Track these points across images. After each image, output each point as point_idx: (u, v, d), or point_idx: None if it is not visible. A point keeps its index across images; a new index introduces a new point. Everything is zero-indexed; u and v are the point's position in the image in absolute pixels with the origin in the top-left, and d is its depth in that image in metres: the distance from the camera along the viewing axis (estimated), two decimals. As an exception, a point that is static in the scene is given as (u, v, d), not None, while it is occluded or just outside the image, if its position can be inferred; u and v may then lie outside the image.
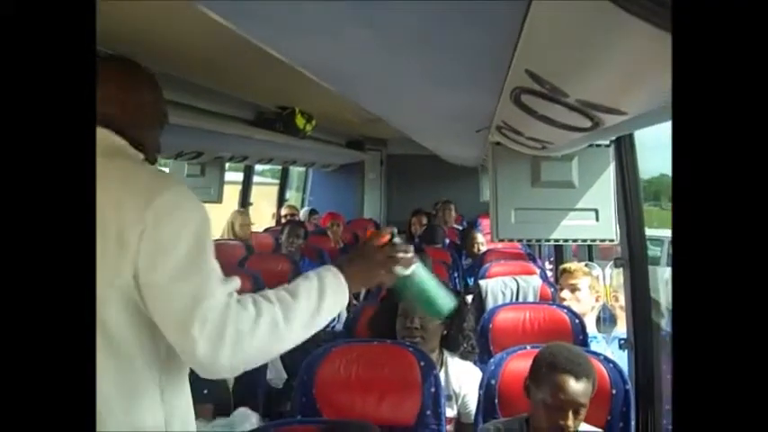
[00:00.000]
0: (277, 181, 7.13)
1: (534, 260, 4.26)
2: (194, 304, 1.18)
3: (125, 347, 1.21)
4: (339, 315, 4.10)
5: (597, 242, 2.45)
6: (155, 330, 1.22)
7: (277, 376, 3.24)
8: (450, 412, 2.29)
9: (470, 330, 2.44)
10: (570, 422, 1.74)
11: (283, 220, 5.68)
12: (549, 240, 2.39)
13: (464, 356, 2.41)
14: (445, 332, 2.38)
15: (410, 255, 1.40)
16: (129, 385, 1.22)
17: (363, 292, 5.33)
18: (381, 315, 2.46)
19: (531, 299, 3.31)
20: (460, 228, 6.26)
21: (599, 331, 2.92)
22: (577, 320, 2.62)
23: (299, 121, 3.97)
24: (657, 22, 0.50)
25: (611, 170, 2.33)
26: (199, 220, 1.25)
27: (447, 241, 5.27)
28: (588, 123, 1.10)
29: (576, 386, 1.74)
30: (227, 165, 4.71)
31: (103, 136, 1.24)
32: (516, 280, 3.42)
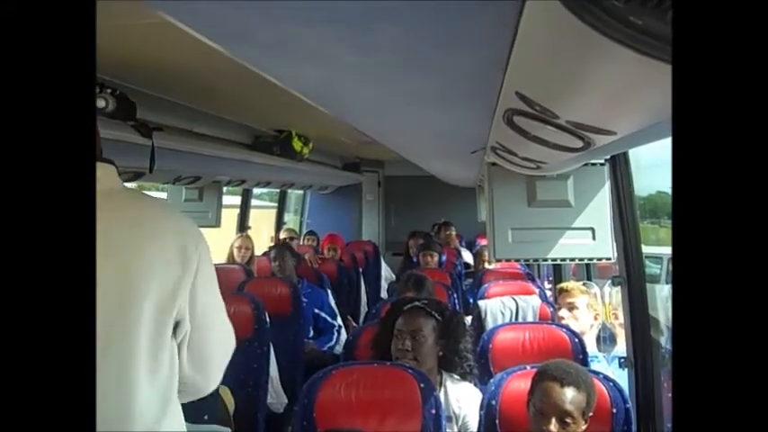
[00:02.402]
0: (275, 204, 7.13)
1: (533, 280, 4.26)
2: (228, 351, 1.44)
3: (164, 367, 1.30)
4: (339, 337, 4.13)
5: (594, 261, 2.45)
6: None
7: (277, 401, 3.23)
8: (451, 433, 2.28)
9: (467, 352, 2.43)
10: (554, 428, 1.75)
11: (283, 245, 5.67)
12: (546, 260, 2.39)
13: (462, 377, 2.41)
14: (441, 353, 2.38)
15: None
16: (165, 396, 1.31)
17: (363, 313, 5.35)
18: (381, 336, 2.46)
19: (530, 319, 3.30)
20: (459, 249, 6.27)
21: (599, 351, 2.92)
22: (577, 340, 2.61)
23: (296, 145, 4.00)
24: (637, 47, 0.51)
25: (606, 189, 2.34)
26: None
27: (444, 258, 5.28)
28: (580, 143, 1.12)
29: (561, 392, 1.77)
30: (224, 188, 4.72)
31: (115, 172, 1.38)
32: (515, 300, 3.41)
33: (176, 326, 1.31)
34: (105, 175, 1.32)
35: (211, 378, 1.44)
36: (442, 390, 2.35)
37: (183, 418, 1.37)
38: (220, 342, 1.42)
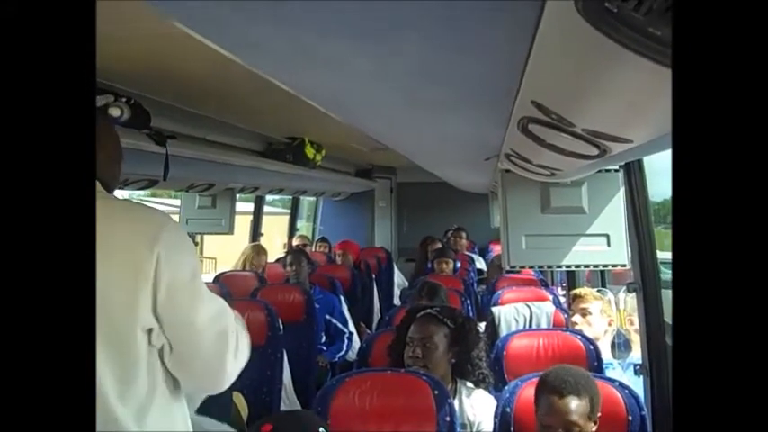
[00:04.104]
0: (288, 211, 7.14)
1: (547, 286, 4.24)
2: (224, 338, 1.33)
3: (139, 380, 1.24)
4: (352, 344, 4.13)
5: (609, 267, 2.44)
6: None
7: (290, 407, 3.23)
8: (465, 441, 2.28)
9: (479, 359, 2.42)
10: None
11: (295, 251, 5.68)
12: (560, 266, 2.38)
13: (476, 385, 2.40)
14: (454, 361, 2.38)
15: None
16: (140, 410, 1.24)
17: (376, 320, 5.35)
18: (396, 343, 2.47)
19: (544, 325, 3.29)
20: (472, 255, 6.26)
21: (614, 357, 2.90)
22: (592, 347, 2.60)
23: (309, 152, 4.00)
24: (655, 57, 0.51)
25: (620, 195, 2.33)
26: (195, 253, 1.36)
27: (458, 265, 5.26)
28: (595, 151, 1.12)
29: (561, 403, 1.77)
30: (237, 196, 4.74)
31: None
32: (529, 306, 3.40)
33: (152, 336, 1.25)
34: None
35: (206, 378, 1.36)
36: (457, 397, 2.35)
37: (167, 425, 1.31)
38: (207, 345, 1.31)
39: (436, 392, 2.06)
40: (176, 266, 1.25)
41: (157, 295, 1.22)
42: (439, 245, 5.77)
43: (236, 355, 1.36)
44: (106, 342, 1.18)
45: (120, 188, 2.61)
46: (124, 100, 2.20)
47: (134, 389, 1.23)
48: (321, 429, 1.36)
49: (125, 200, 1.40)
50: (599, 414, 1.81)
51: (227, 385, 1.39)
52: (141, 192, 3.12)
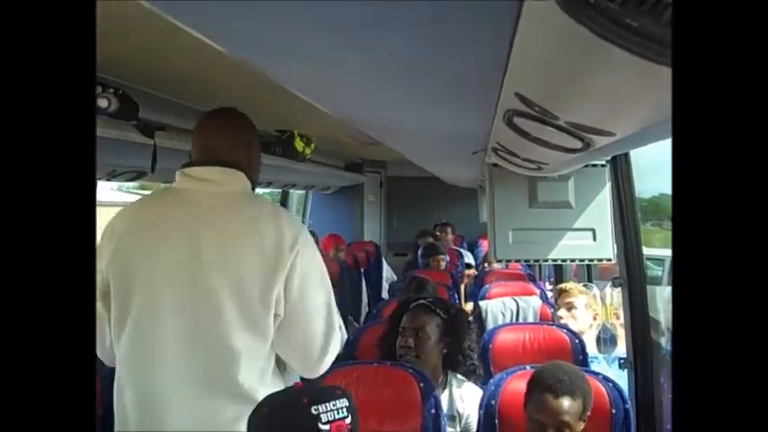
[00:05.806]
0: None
1: (534, 281, 4.26)
2: (328, 332, 1.68)
3: (265, 347, 1.56)
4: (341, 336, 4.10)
5: (595, 262, 2.46)
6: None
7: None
8: (452, 433, 2.29)
9: (471, 350, 2.44)
10: None
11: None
12: (546, 260, 2.39)
13: (466, 376, 2.42)
14: (445, 351, 2.39)
15: None
16: (263, 370, 1.57)
17: (364, 313, 5.35)
18: (388, 334, 2.48)
19: (530, 319, 3.31)
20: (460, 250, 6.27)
21: (600, 352, 2.92)
22: (577, 340, 2.62)
23: (298, 145, 3.98)
24: (633, 48, 0.52)
25: (607, 190, 2.34)
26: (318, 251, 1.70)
27: (448, 259, 5.28)
28: (579, 144, 1.12)
29: (555, 403, 1.76)
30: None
31: (243, 177, 1.66)
32: (516, 300, 3.42)
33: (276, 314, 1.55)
34: (230, 179, 1.62)
35: (305, 363, 1.66)
36: (448, 389, 2.36)
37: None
38: (310, 332, 1.62)
39: (422, 385, 2.07)
40: (309, 261, 1.59)
41: (291, 284, 1.55)
42: (431, 239, 5.79)
43: (334, 341, 1.70)
44: (244, 321, 1.51)
45: (107, 180, 2.60)
46: (112, 91, 2.18)
47: (258, 360, 1.54)
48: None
49: (269, 202, 1.81)
50: (588, 413, 1.82)
51: (322, 369, 1.70)
52: (130, 184, 3.10)
